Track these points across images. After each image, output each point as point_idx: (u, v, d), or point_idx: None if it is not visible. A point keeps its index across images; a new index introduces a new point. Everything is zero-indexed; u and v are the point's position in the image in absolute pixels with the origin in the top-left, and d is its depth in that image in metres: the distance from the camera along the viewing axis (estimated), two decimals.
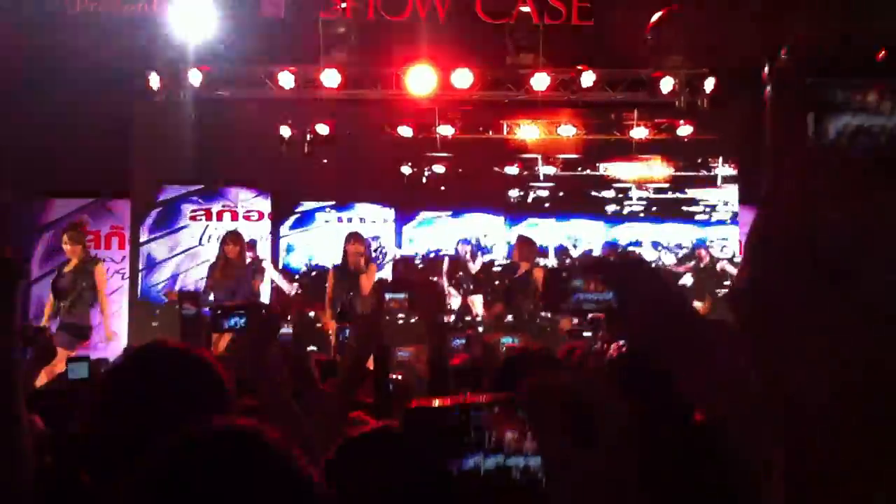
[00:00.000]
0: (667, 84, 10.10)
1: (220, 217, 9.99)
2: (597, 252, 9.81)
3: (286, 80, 9.94)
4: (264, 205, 10.06)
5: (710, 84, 10.10)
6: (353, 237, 8.45)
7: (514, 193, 10.43)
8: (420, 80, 9.94)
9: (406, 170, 10.41)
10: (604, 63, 10.15)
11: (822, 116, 1.62)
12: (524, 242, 8.85)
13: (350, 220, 10.14)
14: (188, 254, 9.87)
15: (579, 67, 10.07)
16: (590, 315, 8.15)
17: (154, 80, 9.80)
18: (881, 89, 1.61)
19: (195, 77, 9.83)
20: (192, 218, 9.97)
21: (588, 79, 10.06)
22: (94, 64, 9.22)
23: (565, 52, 10.17)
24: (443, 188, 10.36)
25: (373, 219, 10.25)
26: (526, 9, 10.20)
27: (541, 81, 10.01)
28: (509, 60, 10.25)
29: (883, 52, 1.81)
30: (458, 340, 6.56)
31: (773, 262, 1.09)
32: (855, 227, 1.04)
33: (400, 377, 4.45)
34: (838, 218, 1.05)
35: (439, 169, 10.40)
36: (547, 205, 10.34)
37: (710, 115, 10.15)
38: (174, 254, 9.87)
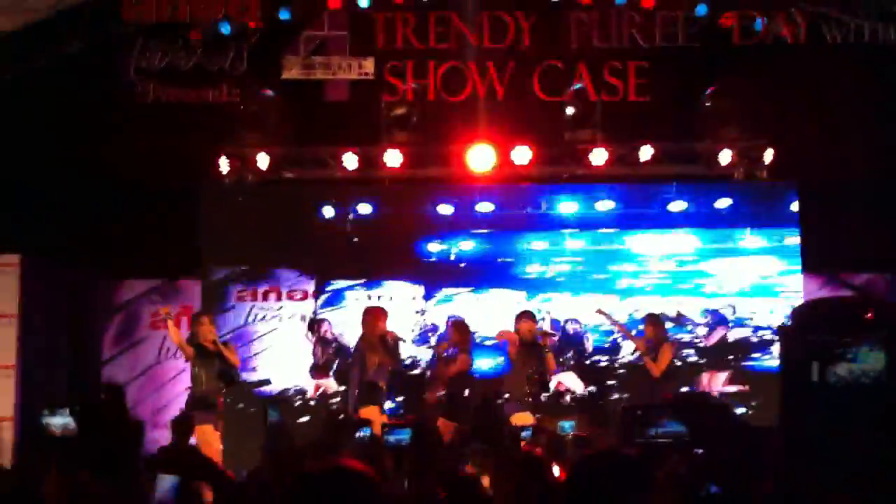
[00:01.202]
0: (725, 156, 10.18)
1: (265, 297, 10.04)
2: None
3: (350, 160, 10.16)
4: (308, 285, 10.06)
5: (768, 155, 10.16)
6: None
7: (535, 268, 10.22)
8: (480, 157, 10.11)
9: (434, 246, 10.25)
10: (661, 137, 10.25)
11: (824, 365, 2.16)
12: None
13: (380, 297, 10.04)
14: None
15: (637, 142, 10.19)
16: None
17: (223, 164, 10.09)
18: (869, 342, 2.13)
19: (262, 160, 10.10)
20: (239, 298, 10.06)
21: (646, 153, 10.15)
22: (168, 147, 9.55)
23: (623, 126, 10.30)
24: (462, 265, 10.18)
25: (402, 296, 10.12)
26: (581, 85, 10.40)
27: (599, 156, 10.13)
28: (567, 136, 10.40)
29: (870, 314, 2.28)
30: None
31: None
32: None
33: None
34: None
35: (467, 246, 10.24)
36: (562, 279, 10.14)
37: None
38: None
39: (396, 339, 8.76)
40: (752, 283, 10.06)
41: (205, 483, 4.10)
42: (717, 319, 10.01)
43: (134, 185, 9.84)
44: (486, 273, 10.13)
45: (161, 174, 9.75)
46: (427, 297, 10.12)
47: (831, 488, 2.17)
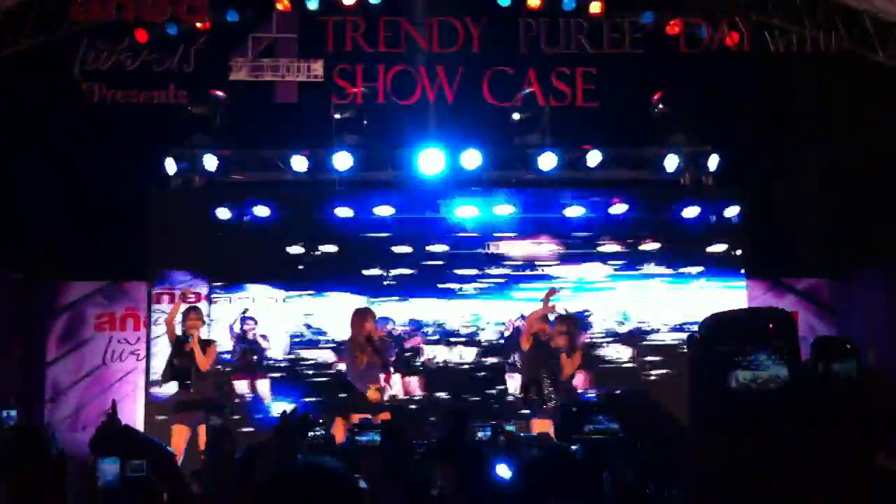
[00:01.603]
0: (671, 162, 10.33)
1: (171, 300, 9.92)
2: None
3: (299, 162, 10.17)
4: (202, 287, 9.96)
5: (713, 162, 10.32)
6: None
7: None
8: (430, 161, 10.17)
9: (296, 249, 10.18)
10: (609, 142, 10.38)
11: (728, 372, 2.30)
12: None
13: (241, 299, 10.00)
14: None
15: (584, 147, 10.30)
16: None
17: (170, 166, 10.05)
18: (769, 352, 2.29)
19: (210, 162, 10.07)
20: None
21: (594, 158, 10.27)
22: (111, 149, 9.48)
23: (571, 131, 10.42)
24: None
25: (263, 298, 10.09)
26: (529, 90, 10.50)
27: (548, 161, 10.23)
28: (517, 141, 10.50)
29: (772, 325, 2.44)
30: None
31: None
32: None
33: None
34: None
35: (329, 248, 10.16)
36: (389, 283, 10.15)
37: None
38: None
39: (384, 339, 8.81)
40: None
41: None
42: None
43: (80, 186, 9.75)
44: (332, 277, 10.09)
45: (108, 176, 9.66)
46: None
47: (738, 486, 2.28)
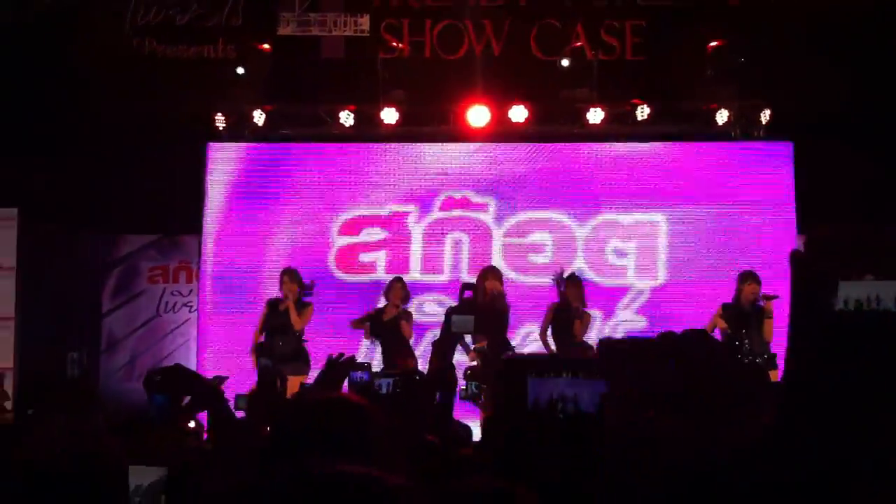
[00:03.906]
0: (721, 116, 10.19)
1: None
2: None
3: (346, 118, 10.23)
4: None
5: (765, 115, 10.16)
6: None
7: None
8: (477, 115, 10.19)
9: None
10: (658, 96, 10.27)
11: (834, 290, 1.95)
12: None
13: None
14: None
15: (633, 101, 10.20)
16: None
17: (220, 120, 10.16)
18: (883, 269, 1.93)
19: (259, 116, 10.17)
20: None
21: (642, 112, 10.17)
22: (162, 104, 9.60)
23: (619, 86, 10.32)
24: None
25: None
26: (579, 44, 10.41)
27: (595, 115, 10.17)
28: (563, 95, 10.44)
29: (885, 240, 2.08)
30: None
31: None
32: None
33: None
34: None
35: None
36: None
37: None
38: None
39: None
40: None
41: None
42: None
43: (132, 140, 9.91)
44: None
45: (158, 130, 9.81)
46: None
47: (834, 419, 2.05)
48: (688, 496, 2.23)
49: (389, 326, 8.74)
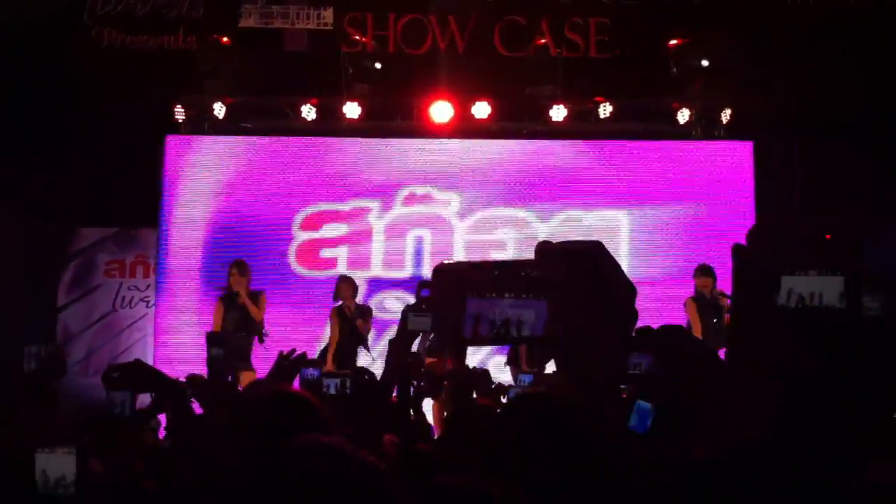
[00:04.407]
0: (683, 115, 10.23)
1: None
2: None
3: (308, 111, 10.15)
4: None
5: (726, 115, 10.21)
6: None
7: None
8: (440, 111, 10.16)
9: None
10: (621, 94, 10.29)
11: (777, 284, 1.89)
12: None
13: None
14: None
15: (596, 99, 10.21)
16: None
17: (179, 113, 10.03)
18: (826, 263, 1.87)
19: (219, 109, 10.05)
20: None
21: (605, 110, 10.20)
22: (122, 95, 9.46)
23: (583, 83, 10.34)
24: None
25: None
26: (543, 41, 10.39)
27: (559, 113, 10.18)
28: (528, 91, 10.43)
29: (828, 235, 2.04)
30: None
31: None
32: None
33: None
34: None
35: None
36: None
37: None
38: None
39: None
40: None
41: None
42: None
43: (90, 131, 9.75)
44: None
45: (118, 121, 9.67)
46: None
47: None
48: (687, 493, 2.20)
49: (352, 323, 8.69)
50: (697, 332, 8.21)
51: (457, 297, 2.57)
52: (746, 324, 2.14)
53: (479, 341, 2.64)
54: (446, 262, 3.06)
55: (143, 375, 3.83)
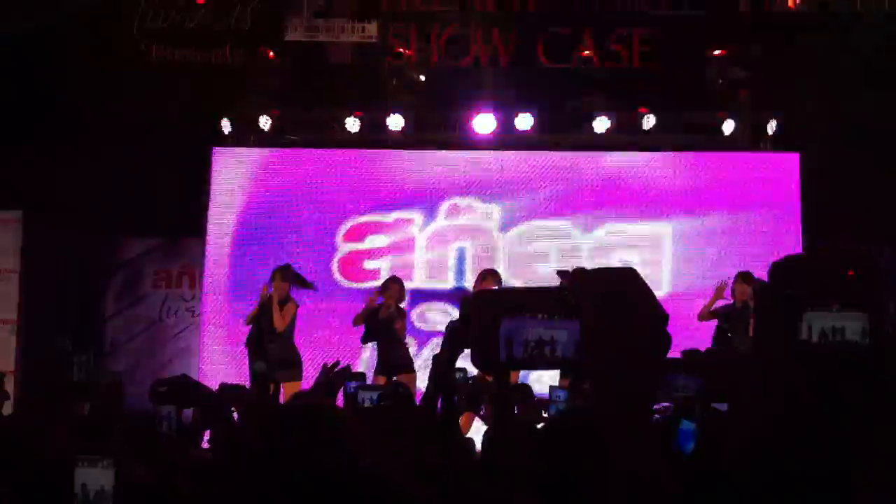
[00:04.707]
0: (728, 126, 10.15)
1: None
2: None
3: (352, 124, 10.23)
4: None
5: (772, 126, 10.11)
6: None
7: None
8: (483, 123, 10.20)
9: None
10: (665, 105, 10.23)
11: (799, 319, 1.89)
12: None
13: None
14: None
15: (640, 110, 10.17)
16: None
17: (226, 125, 10.16)
18: (850, 300, 1.88)
19: (265, 122, 10.17)
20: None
21: (648, 121, 10.15)
22: (169, 108, 9.61)
23: (626, 94, 10.30)
24: None
25: None
26: (587, 53, 10.37)
27: (602, 124, 10.15)
28: (571, 103, 10.42)
29: (851, 271, 2.04)
30: None
31: None
32: None
33: None
34: None
35: None
36: None
37: None
38: None
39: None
40: None
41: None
42: None
43: (138, 143, 9.91)
44: None
45: (165, 133, 9.83)
46: None
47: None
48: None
49: (385, 325, 8.73)
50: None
51: (491, 319, 2.62)
52: (770, 359, 2.14)
53: (514, 364, 2.67)
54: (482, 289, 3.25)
55: (189, 390, 3.88)
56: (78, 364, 9.79)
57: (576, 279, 2.64)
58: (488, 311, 2.66)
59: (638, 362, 2.24)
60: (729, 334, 8.35)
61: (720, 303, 8.66)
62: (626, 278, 2.35)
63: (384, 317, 8.68)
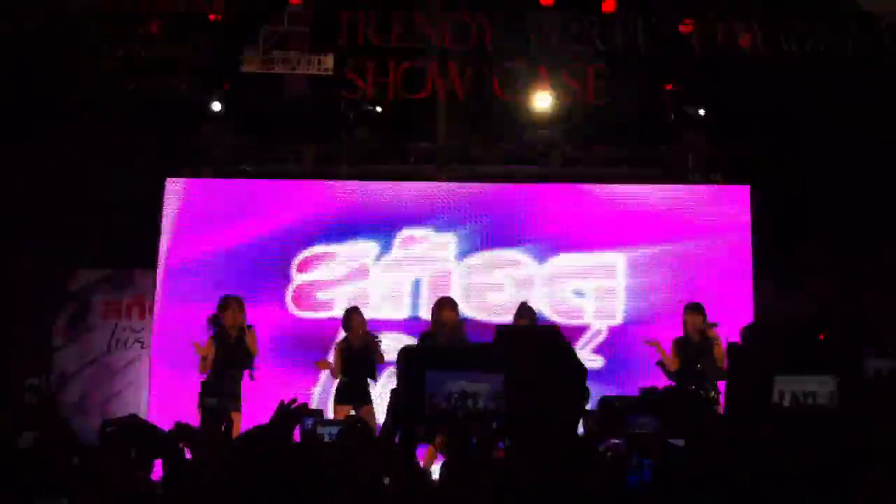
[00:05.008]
0: (681, 159, 10.31)
1: None
2: None
3: (307, 155, 10.26)
4: None
5: (723, 160, 10.27)
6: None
7: None
8: (439, 155, 10.28)
9: None
10: (619, 139, 10.37)
11: (773, 382, 1.96)
12: None
13: None
14: None
15: (594, 145, 10.31)
16: None
17: (180, 156, 10.13)
18: (819, 364, 1.94)
19: (219, 152, 10.18)
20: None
21: (602, 155, 10.30)
22: (121, 136, 9.56)
23: (580, 128, 10.43)
24: None
25: None
26: (543, 90, 10.49)
27: (556, 157, 10.30)
28: (526, 136, 10.52)
29: (822, 335, 2.17)
30: None
31: None
32: None
33: None
34: None
35: None
36: None
37: None
38: None
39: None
40: None
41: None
42: None
43: (86, 173, 9.83)
44: None
45: (115, 164, 9.77)
46: None
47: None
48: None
49: (359, 355, 8.65)
50: (672, 367, 8.26)
51: (417, 373, 2.79)
52: (742, 421, 2.20)
53: (437, 418, 2.82)
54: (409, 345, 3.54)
55: (137, 431, 3.81)
56: (29, 388, 9.57)
57: (503, 337, 2.82)
58: (414, 364, 2.82)
59: (560, 413, 2.36)
60: (698, 366, 8.35)
61: (667, 345, 8.64)
62: (550, 336, 2.52)
63: (358, 347, 8.63)
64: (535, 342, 2.53)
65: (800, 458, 2.11)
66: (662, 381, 8.55)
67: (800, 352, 2.14)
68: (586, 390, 2.64)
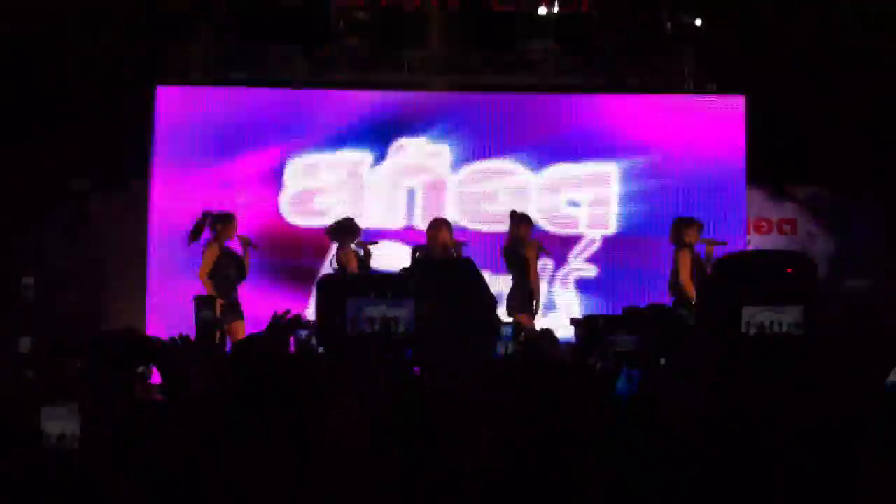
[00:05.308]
0: (676, 69, 10.27)
1: None
2: None
3: (300, 63, 10.16)
4: None
5: (718, 69, 10.24)
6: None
7: None
8: (432, 64, 10.20)
9: None
10: (613, 49, 10.30)
11: (741, 312, 2.10)
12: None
13: None
14: None
15: (589, 53, 10.24)
16: None
17: (170, 63, 10.02)
18: (788, 294, 2.09)
19: (209, 60, 10.07)
20: None
21: (596, 64, 10.25)
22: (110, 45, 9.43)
23: (577, 38, 10.34)
24: None
25: None
26: None
27: (550, 67, 10.22)
28: (519, 45, 10.44)
29: (789, 268, 2.30)
30: None
31: None
32: None
33: None
34: None
35: None
36: None
37: None
38: None
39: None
40: None
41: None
42: None
43: (77, 81, 9.74)
44: None
45: (105, 73, 9.69)
46: None
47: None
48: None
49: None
50: (686, 278, 8.26)
51: (337, 300, 3.04)
52: (710, 352, 2.33)
53: (362, 339, 2.99)
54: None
55: (134, 344, 3.86)
56: (24, 287, 9.61)
57: (416, 267, 3.12)
58: (334, 292, 3.05)
59: (468, 338, 2.53)
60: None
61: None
62: (462, 266, 2.66)
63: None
64: (447, 272, 2.72)
65: (769, 379, 2.25)
66: (652, 296, 8.66)
67: (767, 285, 2.30)
68: (497, 319, 2.93)
